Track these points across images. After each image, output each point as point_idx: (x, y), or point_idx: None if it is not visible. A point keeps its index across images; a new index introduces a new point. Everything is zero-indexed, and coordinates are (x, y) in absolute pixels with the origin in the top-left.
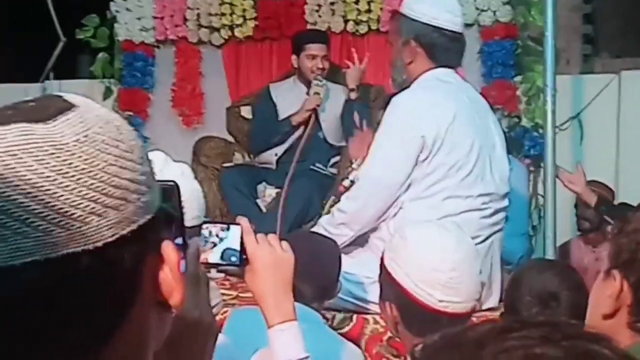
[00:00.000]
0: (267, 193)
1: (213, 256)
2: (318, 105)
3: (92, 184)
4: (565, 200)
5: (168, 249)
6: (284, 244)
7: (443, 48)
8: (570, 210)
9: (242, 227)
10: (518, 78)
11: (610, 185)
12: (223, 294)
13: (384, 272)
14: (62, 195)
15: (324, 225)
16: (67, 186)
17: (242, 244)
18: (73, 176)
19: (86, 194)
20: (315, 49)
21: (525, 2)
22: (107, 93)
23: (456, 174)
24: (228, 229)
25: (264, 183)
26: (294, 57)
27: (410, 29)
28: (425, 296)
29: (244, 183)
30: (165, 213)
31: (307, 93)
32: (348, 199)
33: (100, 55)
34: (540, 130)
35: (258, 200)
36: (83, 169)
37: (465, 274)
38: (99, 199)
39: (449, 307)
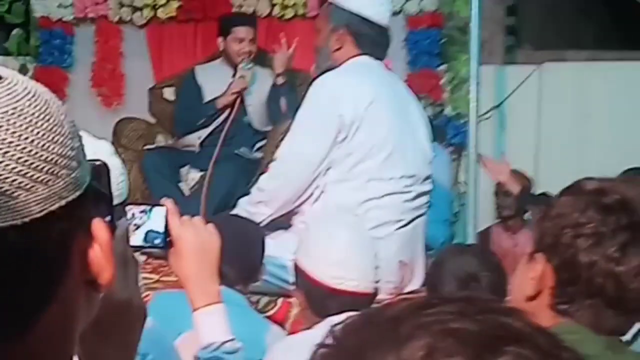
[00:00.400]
0: (190, 177)
1: (135, 238)
2: (244, 89)
3: (19, 157)
4: (486, 188)
5: (99, 226)
6: (209, 225)
7: (370, 38)
8: (490, 197)
9: (166, 208)
10: (443, 67)
11: (529, 175)
12: (144, 278)
13: (295, 263)
14: None
15: (243, 205)
16: None
17: (166, 226)
18: (0, 149)
19: (14, 167)
20: (242, 32)
21: None
22: (22, 70)
23: (377, 155)
24: (151, 210)
25: (187, 166)
26: (220, 39)
27: (340, 17)
28: (321, 275)
29: (166, 166)
30: (95, 191)
31: (233, 76)
32: (267, 177)
33: (15, 31)
34: (464, 119)
35: (181, 184)
36: (11, 142)
37: (356, 254)
38: (27, 173)
39: (343, 284)
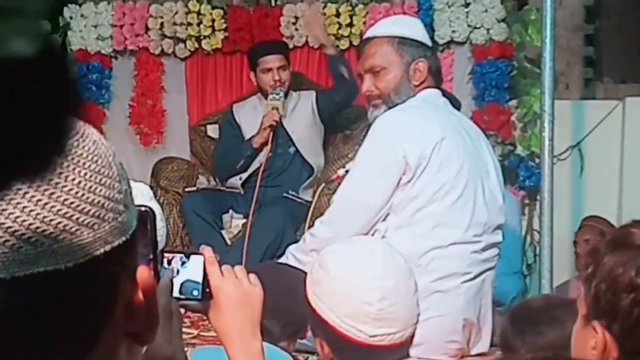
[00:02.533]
0: (234, 223)
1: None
2: (276, 122)
3: (66, 199)
4: (563, 235)
5: (144, 274)
6: (252, 276)
7: (437, 69)
8: (568, 247)
9: (205, 257)
10: (513, 102)
11: (612, 222)
12: (182, 333)
13: (309, 308)
14: (32, 210)
15: (293, 253)
16: (39, 200)
17: (205, 276)
18: (46, 190)
19: (59, 210)
20: (269, 61)
21: (521, 19)
22: None
23: (444, 199)
24: (188, 259)
25: (230, 212)
26: (252, 74)
27: (414, 50)
28: (355, 332)
29: (208, 210)
30: (141, 237)
31: None
32: (321, 224)
33: None
34: (537, 160)
35: (223, 232)
36: (57, 183)
37: (399, 301)
38: (72, 215)
39: (384, 340)
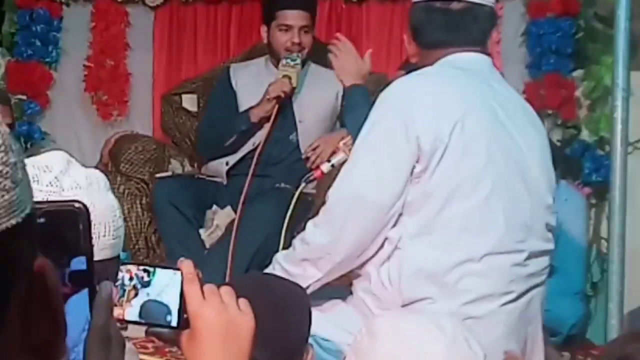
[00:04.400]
0: (216, 221)
1: (131, 312)
2: (285, 94)
3: None
4: (638, 246)
5: (44, 269)
6: (243, 302)
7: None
8: None
9: (182, 273)
10: (578, 73)
11: None
12: None
13: None
14: None
15: (281, 263)
16: None
17: (182, 298)
18: None
19: None
20: (291, 16)
21: None
22: None
23: (470, 194)
24: (154, 273)
25: (214, 207)
26: (263, 28)
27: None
28: None
29: (186, 202)
30: (58, 235)
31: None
32: (315, 227)
33: None
34: (607, 148)
35: (202, 231)
36: None
37: None
38: None
39: None
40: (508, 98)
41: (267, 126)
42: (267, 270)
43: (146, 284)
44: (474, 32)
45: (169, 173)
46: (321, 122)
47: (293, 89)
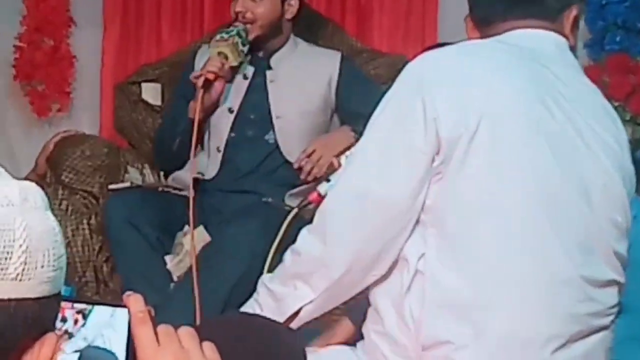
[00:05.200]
0: (187, 246)
1: (65, 357)
2: (216, 75)
3: None
4: None
5: None
6: (208, 347)
7: None
8: None
9: (130, 312)
10: None
11: None
12: None
13: None
14: None
15: (267, 285)
16: None
17: (129, 343)
18: None
19: None
20: None
21: None
22: None
23: (509, 203)
24: (91, 311)
25: (186, 227)
26: (234, 3)
27: None
28: None
29: (149, 221)
30: None
31: (251, 63)
32: (309, 233)
33: None
34: None
35: (168, 259)
36: None
37: None
38: None
39: None
40: (577, 90)
41: (221, 128)
42: (250, 302)
43: (82, 326)
44: (543, 1)
45: (126, 184)
46: (307, 118)
47: (233, 68)
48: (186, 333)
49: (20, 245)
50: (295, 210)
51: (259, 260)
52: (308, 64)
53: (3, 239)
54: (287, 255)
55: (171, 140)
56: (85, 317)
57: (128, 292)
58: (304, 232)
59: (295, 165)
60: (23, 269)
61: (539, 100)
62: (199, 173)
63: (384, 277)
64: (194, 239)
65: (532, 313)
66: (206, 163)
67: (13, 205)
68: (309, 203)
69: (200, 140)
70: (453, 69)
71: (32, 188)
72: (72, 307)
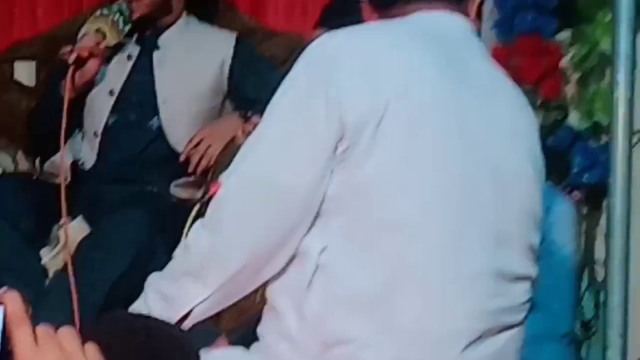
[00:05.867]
0: (62, 240)
1: None
2: (92, 53)
3: None
4: None
5: None
6: (90, 348)
7: None
8: None
9: (4, 310)
10: (565, 35)
11: None
12: None
13: None
14: None
15: (154, 283)
16: None
17: (4, 344)
18: None
19: None
20: None
21: None
22: None
23: (414, 191)
24: None
25: (63, 219)
26: None
27: None
28: None
29: (20, 213)
30: None
31: (137, 42)
32: (202, 227)
33: None
34: (604, 138)
35: (44, 252)
36: None
37: None
38: None
39: None
40: (484, 75)
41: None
42: (137, 304)
43: None
44: None
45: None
46: (195, 102)
47: (110, 47)
48: (67, 334)
49: None
50: (198, 206)
51: (144, 252)
52: (199, 45)
53: None
54: (178, 251)
55: (44, 121)
56: None
57: (3, 289)
58: (196, 225)
59: (182, 158)
60: None
61: (447, 84)
62: (78, 160)
63: (282, 273)
64: (68, 230)
65: (439, 308)
66: (84, 148)
67: None
68: (212, 196)
69: (79, 124)
70: (357, 51)
71: None
72: None
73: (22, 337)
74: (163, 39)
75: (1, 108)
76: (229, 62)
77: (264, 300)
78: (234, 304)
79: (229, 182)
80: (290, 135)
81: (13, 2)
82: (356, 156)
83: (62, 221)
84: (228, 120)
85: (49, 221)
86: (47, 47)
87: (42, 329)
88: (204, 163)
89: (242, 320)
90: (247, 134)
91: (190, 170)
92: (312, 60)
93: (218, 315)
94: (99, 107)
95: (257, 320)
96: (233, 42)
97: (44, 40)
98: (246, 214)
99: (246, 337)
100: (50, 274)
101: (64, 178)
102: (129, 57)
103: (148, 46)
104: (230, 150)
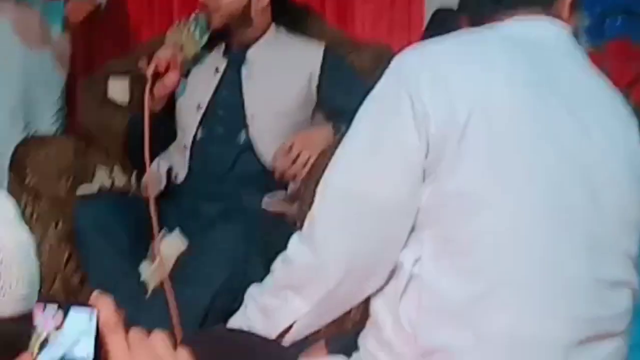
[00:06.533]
0: (164, 253)
1: None
2: (167, 66)
3: None
4: None
5: None
6: (182, 353)
7: None
8: None
9: (98, 313)
10: None
11: None
12: None
13: None
14: None
15: (256, 297)
16: None
17: (97, 348)
18: None
19: None
20: None
21: None
22: None
23: (507, 201)
24: (67, 315)
25: (162, 232)
26: None
27: None
28: None
29: (120, 228)
30: None
31: (224, 56)
32: (300, 240)
33: None
34: None
35: (144, 266)
36: None
37: None
38: None
39: None
40: (578, 79)
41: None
42: (237, 317)
43: (57, 331)
44: None
45: (94, 189)
46: (285, 116)
47: (189, 59)
48: (159, 338)
49: None
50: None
51: (240, 267)
52: (288, 57)
53: None
54: (277, 265)
55: (136, 135)
56: (59, 320)
57: (95, 293)
58: (294, 238)
59: (272, 163)
60: None
61: (535, 91)
62: (173, 171)
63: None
64: (163, 245)
65: (536, 316)
66: (177, 161)
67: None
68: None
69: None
70: (440, 63)
71: (2, 198)
72: (44, 310)
73: (116, 343)
74: (251, 53)
75: (97, 125)
76: (317, 74)
77: (365, 310)
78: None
79: (318, 197)
80: (380, 148)
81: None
82: (444, 168)
83: (156, 236)
84: (321, 130)
85: (147, 236)
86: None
87: (135, 334)
88: (292, 171)
89: (343, 328)
90: (335, 145)
91: (276, 176)
92: (397, 73)
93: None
94: (187, 122)
95: (359, 329)
96: (321, 53)
97: (136, 57)
98: (340, 228)
99: (348, 345)
100: (150, 289)
101: (153, 192)
102: (217, 70)
103: (236, 60)
104: (321, 162)
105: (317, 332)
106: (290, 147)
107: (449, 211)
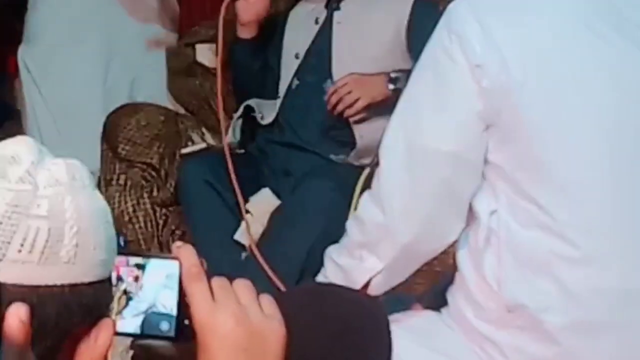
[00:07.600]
0: (253, 210)
1: (125, 322)
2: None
3: None
4: None
5: None
6: (267, 302)
7: None
8: None
9: (180, 265)
10: None
11: None
12: None
13: None
14: None
15: (334, 257)
16: None
17: (181, 300)
18: None
19: None
20: None
21: None
22: None
23: (576, 151)
24: (145, 268)
25: (264, 190)
26: None
27: None
28: None
29: (225, 185)
30: None
31: (326, 5)
32: (370, 198)
33: None
34: None
35: (241, 228)
36: None
37: None
38: None
39: None
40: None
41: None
42: (318, 277)
43: (140, 286)
44: None
45: (202, 146)
46: (371, 63)
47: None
48: (242, 286)
49: (72, 227)
50: (367, 170)
51: (334, 223)
52: (378, 4)
53: (54, 221)
54: (350, 224)
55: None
56: (142, 272)
57: (178, 243)
58: (365, 197)
59: (325, 97)
60: (75, 253)
61: (599, 31)
62: (258, 113)
63: (465, 237)
64: (252, 206)
65: (625, 267)
66: (268, 109)
67: (61, 184)
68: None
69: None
70: (488, 13)
71: (79, 166)
72: (127, 264)
73: (198, 292)
74: (345, 1)
75: (188, 90)
76: (405, 22)
77: (454, 266)
78: (425, 270)
79: (383, 152)
80: (441, 99)
81: None
82: (506, 120)
83: (262, 192)
84: (375, 78)
85: (247, 194)
86: (225, 28)
87: (218, 282)
88: (340, 107)
89: (432, 285)
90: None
91: (328, 109)
92: (448, 25)
93: (409, 281)
94: (285, 71)
95: (446, 285)
96: (411, 1)
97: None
98: (404, 183)
99: (437, 300)
100: (246, 246)
101: (227, 143)
102: (316, 21)
103: (332, 8)
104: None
105: (411, 290)
106: (343, 84)
107: (519, 167)
